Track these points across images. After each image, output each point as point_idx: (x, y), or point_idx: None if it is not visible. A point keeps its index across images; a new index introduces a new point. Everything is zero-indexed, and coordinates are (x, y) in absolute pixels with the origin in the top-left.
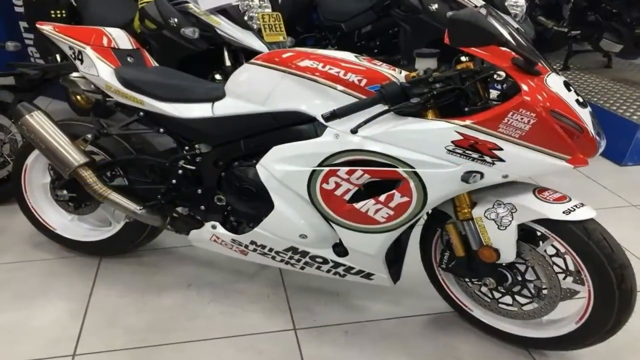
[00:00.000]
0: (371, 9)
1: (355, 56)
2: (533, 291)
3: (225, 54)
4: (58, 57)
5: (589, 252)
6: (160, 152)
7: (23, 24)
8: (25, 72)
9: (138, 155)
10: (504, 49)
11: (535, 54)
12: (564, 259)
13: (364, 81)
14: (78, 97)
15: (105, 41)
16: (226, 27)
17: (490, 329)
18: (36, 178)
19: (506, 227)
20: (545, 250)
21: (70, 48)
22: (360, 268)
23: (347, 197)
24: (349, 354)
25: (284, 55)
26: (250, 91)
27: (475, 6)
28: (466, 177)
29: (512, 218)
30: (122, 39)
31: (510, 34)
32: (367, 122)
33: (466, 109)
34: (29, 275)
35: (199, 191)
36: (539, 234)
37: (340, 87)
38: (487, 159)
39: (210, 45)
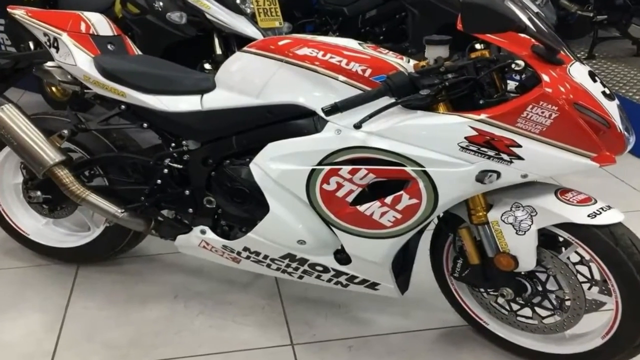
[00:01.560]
0: None
1: (359, 43)
2: (555, 302)
3: (216, 41)
4: (31, 45)
5: (617, 260)
6: (143, 149)
7: None
8: None
9: (119, 153)
10: (523, 35)
11: (558, 41)
12: (589, 267)
13: (369, 71)
14: (53, 88)
15: (83, 27)
16: (216, 12)
17: (508, 344)
18: (7, 178)
19: (525, 232)
20: (568, 258)
21: (45, 35)
22: (365, 277)
23: (350, 198)
24: None
25: (281, 43)
26: (243, 82)
27: None
28: (481, 176)
29: (532, 222)
30: (101, 24)
31: (530, 19)
32: (372, 116)
33: (481, 102)
34: None
35: (187, 192)
36: (561, 239)
37: (342, 78)
38: (504, 156)
39: (199, 31)
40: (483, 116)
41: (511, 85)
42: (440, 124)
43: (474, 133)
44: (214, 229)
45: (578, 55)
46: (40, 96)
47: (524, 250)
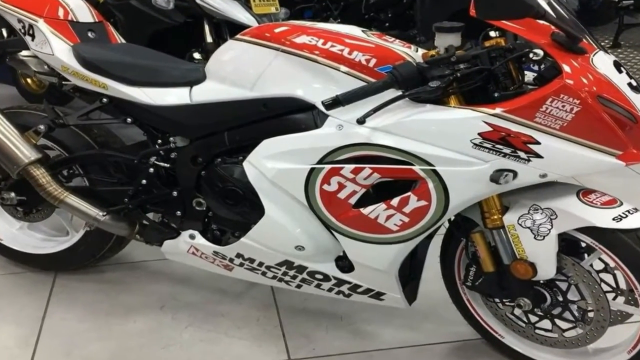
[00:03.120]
0: None
1: (363, 31)
2: (577, 314)
3: (206, 28)
4: (4, 32)
5: None
6: (127, 146)
7: None
8: None
9: (101, 150)
10: (541, 22)
11: (580, 28)
12: (614, 276)
13: (373, 61)
14: (29, 80)
15: (61, 13)
16: None
17: (525, 359)
18: None
19: (544, 236)
20: (591, 265)
21: (20, 21)
22: (369, 286)
23: (353, 200)
24: None
25: (277, 30)
26: (235, 73)
27: None
28: (496, 176)
29: (552, 226)
30: (81, 10)
31: (550, 4)
32: (377, 111)
33: (496, 95)
34: None
35: (174, 194)
36: (583, 245)
37: (344, 68)
38: (522, 154)
39: (188, 17)
40: (498, 110)
41: (529, 76)
42: (451, 118)
43: (488, 129)
44: (204, 233)
45: (602, 44)
46: (14, 88)
47: (543, 257)
